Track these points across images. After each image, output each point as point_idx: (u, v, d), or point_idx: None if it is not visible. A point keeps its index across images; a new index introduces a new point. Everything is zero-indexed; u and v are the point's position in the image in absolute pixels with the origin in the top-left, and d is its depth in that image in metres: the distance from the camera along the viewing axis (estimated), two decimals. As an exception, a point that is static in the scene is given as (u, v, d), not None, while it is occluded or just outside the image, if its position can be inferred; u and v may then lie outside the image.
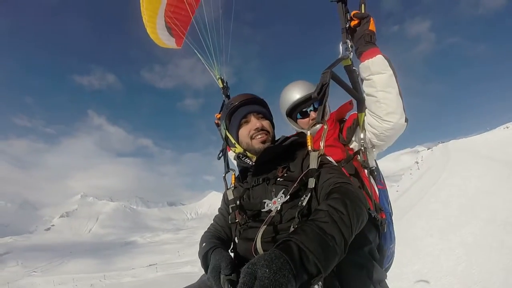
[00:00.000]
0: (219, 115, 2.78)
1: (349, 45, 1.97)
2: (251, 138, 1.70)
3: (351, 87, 1.99)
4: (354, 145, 2.15)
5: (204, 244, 1.62)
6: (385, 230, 1.99)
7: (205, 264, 1.49)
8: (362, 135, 2.03)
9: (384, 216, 2.00)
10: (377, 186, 2.10)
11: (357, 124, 2.10)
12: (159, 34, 3.09)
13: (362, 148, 2.03)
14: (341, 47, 1.97)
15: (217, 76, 2.87)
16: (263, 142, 1.70)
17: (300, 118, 2.35)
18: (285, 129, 2.57)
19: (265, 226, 1.38)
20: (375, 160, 2.22)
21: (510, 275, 5.40)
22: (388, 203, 2.20)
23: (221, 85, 2.86)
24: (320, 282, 1.04)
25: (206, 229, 1.90)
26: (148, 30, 3.05)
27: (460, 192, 11.57)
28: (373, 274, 1.55)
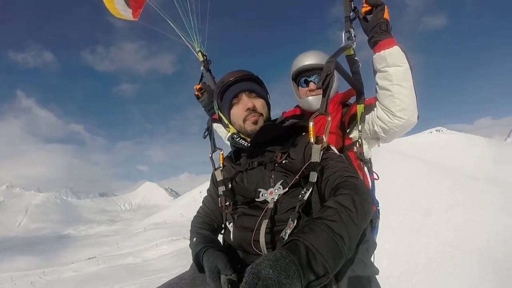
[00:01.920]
0: (198, 86, 2.68)
1: (352, 34, 1.89)
2: (244, 120, 1.60)
3: (352, 77, 1.92)
4: (354, 135, 2.06)
5: (194, 239, 1.53)
6: (377, 223, 1.99)
7: (197, 263, 1.42)
8: (360, 127, 1.97)
9: (375, 209, 1.97)
10: (370, 177, 2.06)
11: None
12: (115, 3, 2.84)
13: (359, 140, 1.98)
14: (343, 36, 1.88)
15: (197, 49, 2.69)
16: (255, 123, 1.59)
17: (302, 87, 2.22)
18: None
19: (266, 220, 1.33)
20: (370, 151, 2.16)
21: (429, 250, 6.67)
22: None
23: (201, 59, 2.69)
24: None
25: (195, 213, 1.81)
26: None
27: (386, 185, 12.67)
28: (370, 269, 1.51)
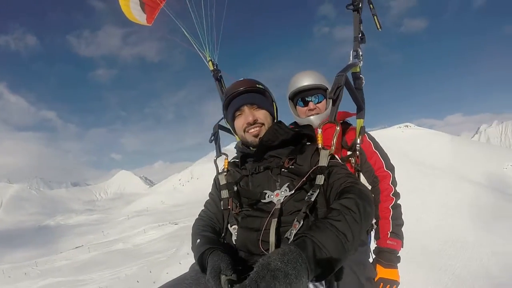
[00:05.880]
0: None
1: (359, 53, 2.00)
2: (245, 131, 1.64)
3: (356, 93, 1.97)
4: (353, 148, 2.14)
5: (198, 241, 1.52)
6: (373, 229, 2.12)
7: (201, 264, 1.41)
8: (358, 140, 2.04)
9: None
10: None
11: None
12: (131, 8, 2.86)
13: (357, 152, 2.04)
14: (351, 54, 2.00)
15: (208, 58, 2.63)
16: (256, 135, 1.62)
17: (300, 106, 2.22)
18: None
19: (275, 220, 1.38)
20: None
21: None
22: None
23: (211, 68, 2.63)
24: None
25: (197, 216, 1.78)
26: (121, 2, 2.86)
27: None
28: (368, 270, 1.60)
